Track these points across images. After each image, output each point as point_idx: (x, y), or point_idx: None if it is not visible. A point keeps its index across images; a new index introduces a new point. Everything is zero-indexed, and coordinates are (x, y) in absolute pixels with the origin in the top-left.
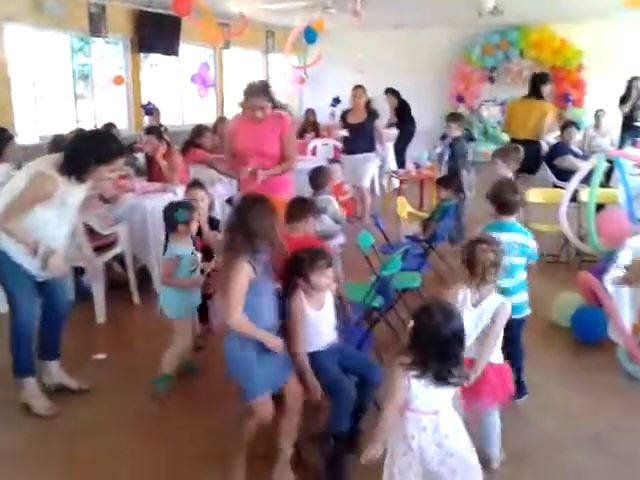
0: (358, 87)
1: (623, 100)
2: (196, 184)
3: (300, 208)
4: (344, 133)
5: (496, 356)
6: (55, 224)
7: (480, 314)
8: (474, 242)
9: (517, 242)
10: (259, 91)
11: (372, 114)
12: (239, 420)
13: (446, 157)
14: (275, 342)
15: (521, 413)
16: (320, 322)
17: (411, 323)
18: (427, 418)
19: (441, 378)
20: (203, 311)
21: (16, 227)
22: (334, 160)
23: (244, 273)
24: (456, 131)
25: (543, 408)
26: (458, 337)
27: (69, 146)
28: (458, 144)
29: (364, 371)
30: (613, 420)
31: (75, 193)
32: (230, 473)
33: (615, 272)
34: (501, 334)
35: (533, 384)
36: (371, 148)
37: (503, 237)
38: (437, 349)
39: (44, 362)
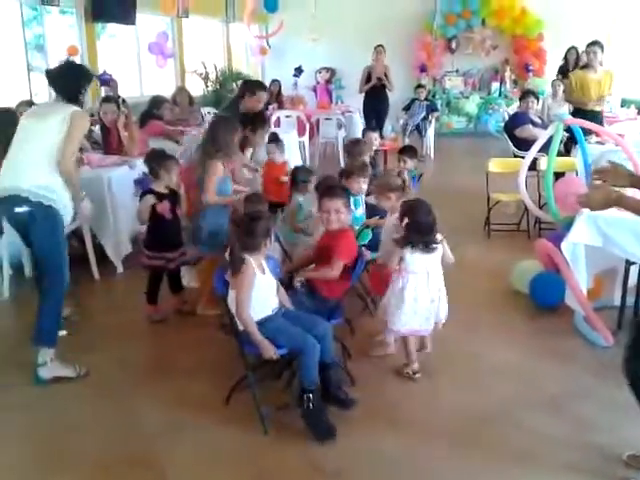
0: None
1: (564, 73)
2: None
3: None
4: None
5: None
6: None
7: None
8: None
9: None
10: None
11: None
12: None
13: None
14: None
15: (479, 377)
16: (266, 286)
17: (406, 220)
18: (421, 276)
19: (428, 247)
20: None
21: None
22: (274, 139)
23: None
24: None
25: (500, 371)
26: (434, 219)
27: (63, 81)
28: None
29: (312, 328)
30: (569, 383)
31: None
32: None
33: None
34: None
35: (490, 347)
36: None
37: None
38: (425, 229)
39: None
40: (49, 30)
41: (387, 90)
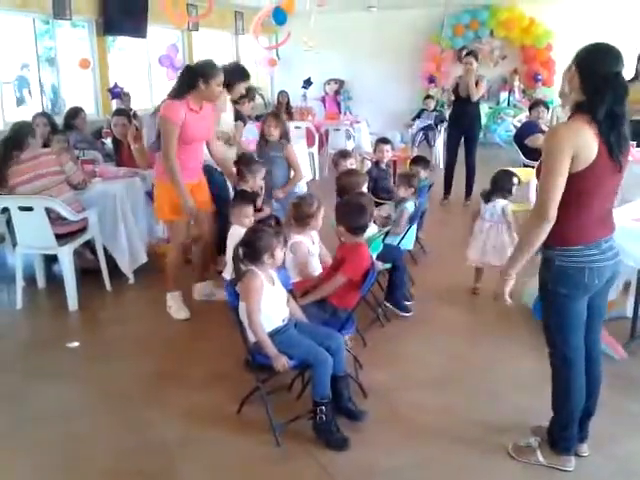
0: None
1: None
2: None
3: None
4: None
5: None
6: None
7: None
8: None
9: None
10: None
11: None
12: None
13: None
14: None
15: (492, 388)
16: (275, 298)
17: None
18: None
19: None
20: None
21: None
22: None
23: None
24: None
25: (514, 383)
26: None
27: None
28: None
29: (325, 341)
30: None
31: None
32: None
33: None
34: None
35: (503, 360)
36: None
37: None
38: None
39: None
40: (60, 43)
41: (478, 106)
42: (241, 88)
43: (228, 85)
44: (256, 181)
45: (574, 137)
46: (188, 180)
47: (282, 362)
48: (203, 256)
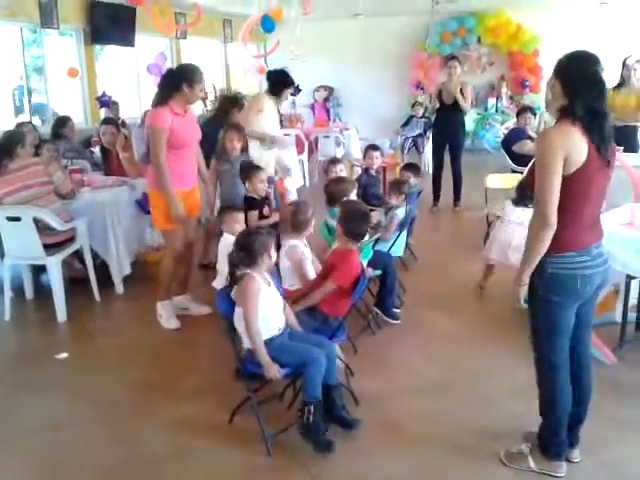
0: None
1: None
2: None
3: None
4: None
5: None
6: None
7: None
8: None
9: None
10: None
11: None
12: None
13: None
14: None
15: (487, 395)
16: (271, 300)
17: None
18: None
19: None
20: None
21: None
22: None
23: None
24: None
25: (509, 389)
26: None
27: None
28: None
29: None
30: None
31: None
32: None
33: None
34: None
35: (498, 366)
36: None
37: None
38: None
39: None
40: (48, 52)
41: (462, 113)
42: (287, 94)
43: (275, 89)
44: (254, 186)
45: (564, 139)
46: (181, 187)
47: (274, 371)
48: (188, 266)
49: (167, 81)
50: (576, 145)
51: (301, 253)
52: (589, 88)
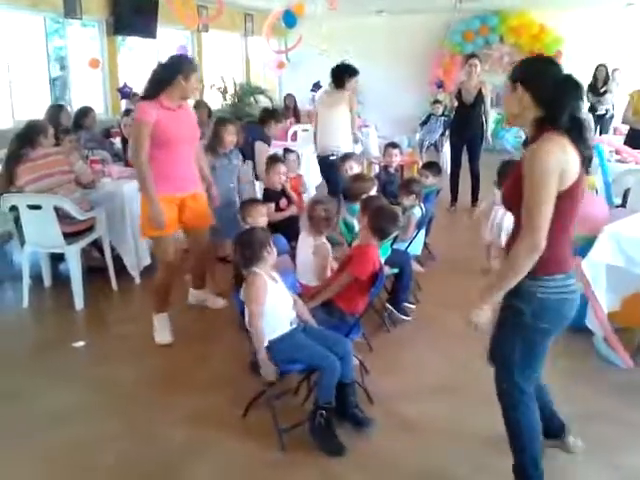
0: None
1: (593, 91)
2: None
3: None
4: None
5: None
6: None
7: None
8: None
9: None
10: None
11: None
12: None
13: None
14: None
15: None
16: (279, 296)
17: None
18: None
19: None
20: None
21: None
22: (288, 150)
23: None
24: None
25: None
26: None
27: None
28: None
29: (333, 346)
30: (584, 404)
31: None
32: None
33: None
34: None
35: None
36: None
37: None
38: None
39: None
40: (71, 42)
41: (482, 114)
42: (353, 82)
43: (339, 81)
44: (271, 179)
45: (562, 155)
46: (168, 191)
47: (271, 372)
48: (199, 267)
49: (160, 74)
50: (572, 158)
51: (327, 251)
52: (565, 93)
